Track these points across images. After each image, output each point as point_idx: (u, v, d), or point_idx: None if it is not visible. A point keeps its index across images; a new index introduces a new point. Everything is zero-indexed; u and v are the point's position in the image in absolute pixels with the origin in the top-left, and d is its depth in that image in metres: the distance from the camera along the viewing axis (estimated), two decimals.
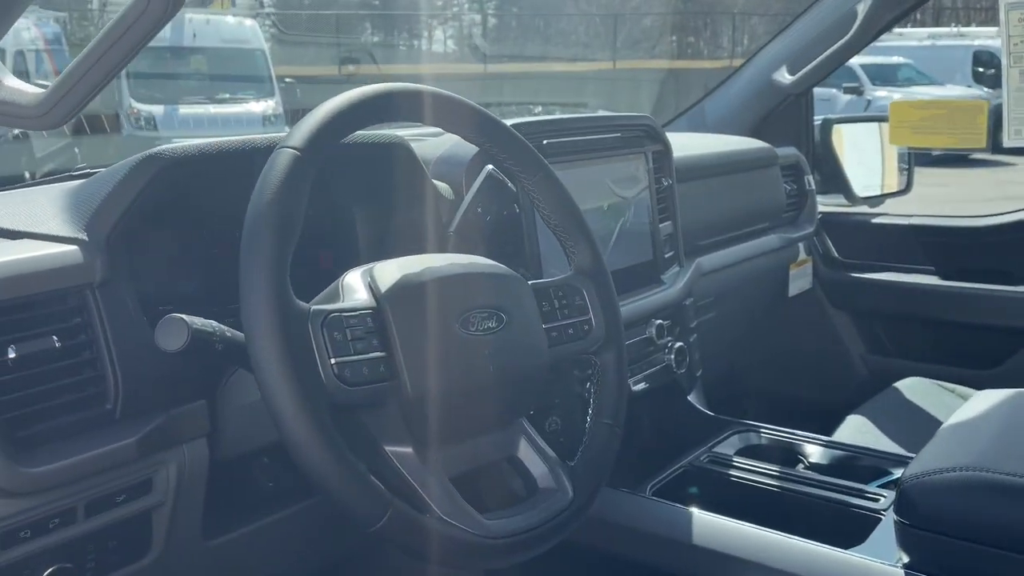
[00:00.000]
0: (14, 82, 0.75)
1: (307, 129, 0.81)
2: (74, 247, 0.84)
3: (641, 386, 1.45)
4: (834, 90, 12.00)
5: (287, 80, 11.57)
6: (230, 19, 11.59)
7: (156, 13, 0.66)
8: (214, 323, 0.78)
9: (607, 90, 13.39)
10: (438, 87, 0.94)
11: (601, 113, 1.84)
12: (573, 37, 18.94)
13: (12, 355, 0.78)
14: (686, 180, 1.67)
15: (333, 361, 0.76)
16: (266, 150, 0.84)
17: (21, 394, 0.79)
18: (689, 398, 1.58)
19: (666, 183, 1.58)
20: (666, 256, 1.57)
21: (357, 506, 0.75)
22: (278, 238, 0.75)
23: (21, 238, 0.84)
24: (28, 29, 12.42)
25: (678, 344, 1.52)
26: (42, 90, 0.74)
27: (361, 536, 0.80)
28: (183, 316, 0.75)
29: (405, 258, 0.89)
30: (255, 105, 10.62)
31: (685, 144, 1.76)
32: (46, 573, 0.84)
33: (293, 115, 10.25)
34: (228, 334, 0.79)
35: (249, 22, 11.75)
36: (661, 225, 1.56)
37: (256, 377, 0.73)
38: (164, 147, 0.91)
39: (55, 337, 0.81)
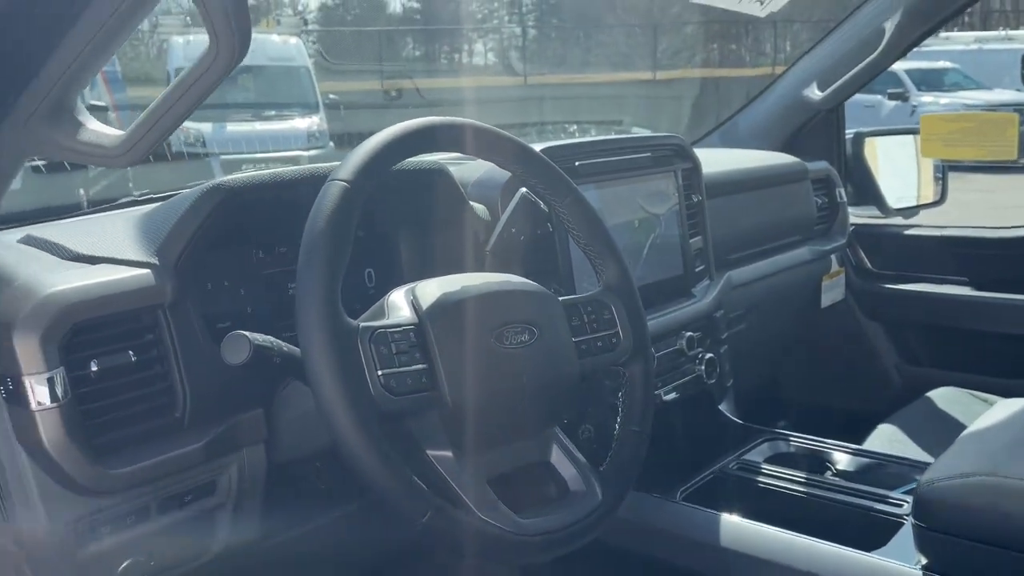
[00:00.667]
0: (96, 125, 0.84)
1: (355, 162, 0.89)
2: (147, 271, 0.93)
3: (672, 395, 1.50)
4: (879, 96, 11.87)
5: (331, 97, 11.81)
6: (275, 38, 11.86)
7: (223, 64, 0.75)
8: (272, 339, 0.87)
9: (647, 102, 13.41)
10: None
11: (632, 133, 1.90)
12: (613, 47, 18.99)
13: (95, 368, 0.87)
14: (716, 195, 1.72)
15: (380, 373, 0.84)
16: (318, 180, 0.92)
17: (102, 403, 0.88)
18: (720, 407, 1.63)
19: (696, 199, 1.64)
20: (696, 270, 1.63)
21: (402, 505, 0.83)
22: (330, 264, 0.83)
23: (100, 263, 0.94)
24: None
25: (708, 355, 1.57)
26: (121, 132, 0.83)
27: (406, 533, 0.87)
28: (245, 333, 0.84)
29: (444, 277, 0.97)
30: (300, 122, 10.84)
31: (716, 160, 1.82)
32: (122, 565, 0.93)
33: (336, 131, 10.44)
34: (285, 349, 0.87)
35: (294, 40, 12.01)
36: (691, 240, 1.62)
37: (311, 388, 0.81)
38: (225, 178, 1.00)
39: (131, 352, 0.90)
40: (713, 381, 1.59)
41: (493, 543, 0.88)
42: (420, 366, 0.88)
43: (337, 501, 1.12)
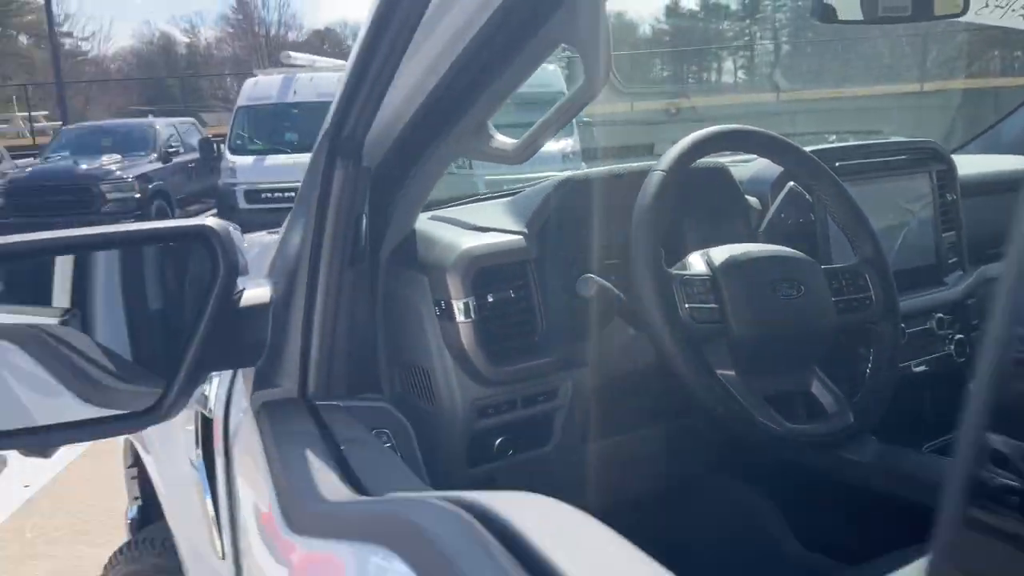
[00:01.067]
0: (499, 135, 1.26)
1: (671, 157, 1.24)
2: (520, 237, 1.34)
3: (921, 368, 1.70)
4: None
5: (584, 119, 12.43)
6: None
7: (591, 91, 1.12)
8: (608, 283, 1.24)
9: (910, 113, 12.72)
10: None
11: (890, 140, 2.10)
12: (875, 59, 18.13)
13: (490, 299, 1.29)
14: (974, 195, 1.88)
15: (687, 306, 1.18)
16: (639, 174, 1.28)
17: (494, 323, 1.30)
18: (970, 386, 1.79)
19: (950, 198, 1.82)
20: (949, 262, 1.80)
21: (704, 397, 1.16)
22: (654, 228, 1.19)
23: (489, 231, 1.36)
24: None
25: (959, 336, 1.75)
26: (515, 141, 1.24)
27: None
28: (593, 275, 1.22)
29: (731, 245, 1.29)
30: (554, 144, 11.56)
31: (976, 163, 1.96)
32: (497, 441, 1.34)
33: (588, 152, 10.97)
34: (617, 292, 1.24)
35: (552, 67, 12.80)
36: (944, 234, 1.80)
37: (642, 315, 1.17)
38: (571, 173, 1.39)
39: (511, 290, 1.31)
40: (963, 360, 1.76)
41: (766, 437, 1.18)
42: (713, 305, 1.21)
43: (646, 420, 1.46)
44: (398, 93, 1.12)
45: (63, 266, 1.05)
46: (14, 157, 14.35)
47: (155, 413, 0.97)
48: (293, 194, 1.20)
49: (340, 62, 12.60)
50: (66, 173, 11.79)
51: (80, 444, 3.37)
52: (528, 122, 1.31)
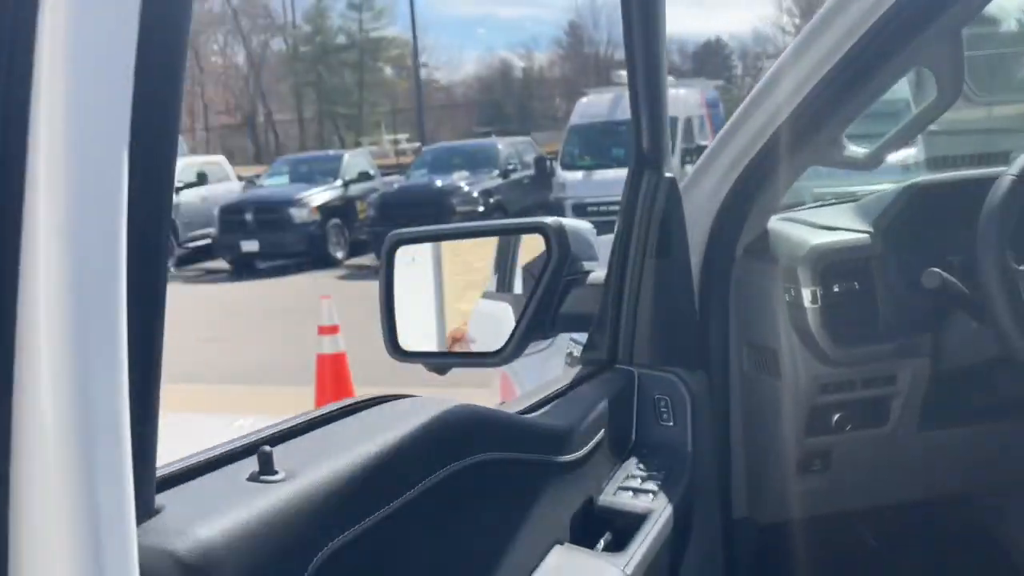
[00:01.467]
0: (851, 146, 1.43)
1: (1021, 163, 1.33)
2: (865, 235, 1.49)
3: None
4: None
5: (931, 128, 11.53)
6: None
7: (944, 105, 1.26)
8: (952, 278, 1.36)
9: None
10: None
11: None
12: None
13: (835, 289, 1.46)
14: None
15: None
16: (985, 180, 1.38)
17: (838, 310, 1.46)
18: None
19: None
20: None
21: None
22: (1003, 227, 1.29)
23: (837, 231, 1.53)
24: (694, 97, 14.66)
25: None
26: (865, 150, 1.40)
27: None
28: (938, 270, 1.34)
29: None
30: (893, 155, 10.89)
31: None
32: (835, 416, 1.50)
33: (933, 162, 10.18)
34: (961, 286, 1.35)
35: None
36: None
37: (989, 313, 1.28)
38: (919, 179, 1.52)
39: (855, 283, 1.47)
40: None
41: None
42: None
43: (994, 415, 1.53)
44: (760, 113, 1.35)
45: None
46: (383, 175, 16.63)
47: (497, 356, 1.31)
48: (616, 207, 1.45)
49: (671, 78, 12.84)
50: (425, 189, 13.49)
51: None
52: (872, 132, 1.46)
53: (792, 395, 1.47)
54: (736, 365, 1.51)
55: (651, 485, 1.17)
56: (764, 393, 1.51)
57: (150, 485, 0.54)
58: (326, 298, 5.19)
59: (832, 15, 1.23)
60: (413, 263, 1.49)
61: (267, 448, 0.65)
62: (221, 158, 18.47)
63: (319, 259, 13.25)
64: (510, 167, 14.77)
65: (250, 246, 13.20)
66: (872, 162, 1.40)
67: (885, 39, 1.23)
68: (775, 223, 1.57)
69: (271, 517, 0.60)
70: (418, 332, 1.45)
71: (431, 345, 1.49)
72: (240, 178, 17.98)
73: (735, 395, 1.51)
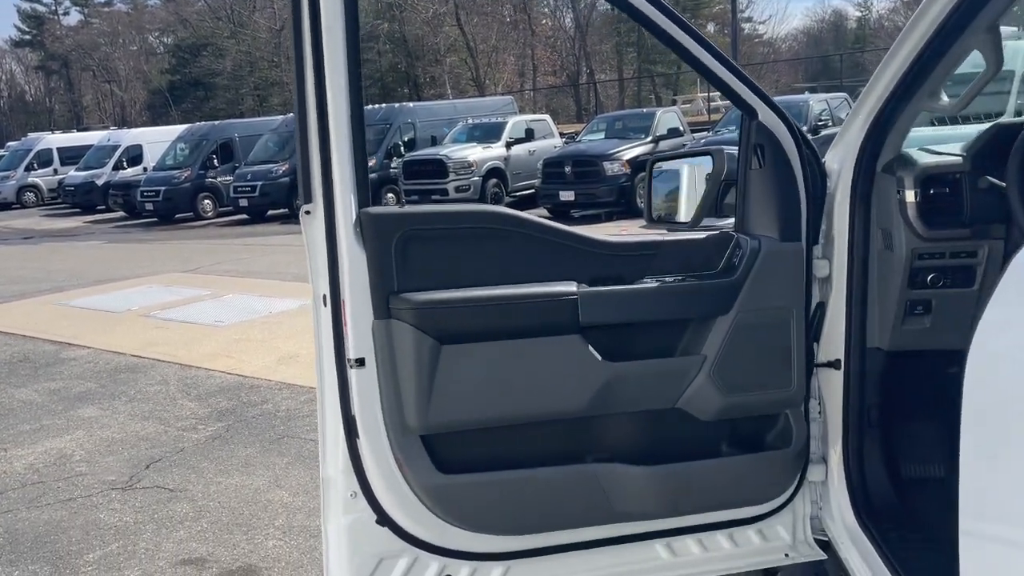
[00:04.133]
0: (944, 96, 2.16)
1: None
2: (959, 158, 2.21)
3: None
4: None
5: None
6: None
7: (991, 73, 1.98)
8: (998, 181, 2.06)
9: None
10: None
11: None
12: None
13: (932, 192, 2.21)
14: None
15: None
16: None
17: (933, 203, 2.22)
18: None
19: None
20: None
21: None
22: None
23: (942, 155, 2.26)
24: None
25: None
26: (952, 99, 2.14)
27: None
28: (988, 177, 2.06)
29: None
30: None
31: None
32: (930, 276, 2.25)
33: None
34: (1002, 186, 2.06)
35: None
36: None
37: (1011, 204, 1.99)
38: (1007, 120, 2.19)
39: (946, 188, 2.21)
40: None
41: None
42: None
43: None
44: (887, 73, 2.14)
45: None
46: (692, 132, 17.34)
47: (688, 224, 2.27)
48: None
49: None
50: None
51: None
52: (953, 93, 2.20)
53: (897, 261, 2.25)
54: (874, 245, 2.31)
55: None
56: (886, 262, 2.29)
57: None
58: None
59: (922, 14, 1.99)
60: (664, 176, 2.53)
61: None
62: (546, 116, 20.34)
63: (628, 210, 14.38)
64: (820, 123, 14.70)
65: (567, 196, 14.74)
66: (956, 109, 2.13)
67: (949, 30, 1.98)
68: (905, 150, 2.34)
69: None
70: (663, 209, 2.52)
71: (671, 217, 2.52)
72: (562, 135, 19.71)
73: (872, 264, 2.31)
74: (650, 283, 2.17)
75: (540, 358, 2.05)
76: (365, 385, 2.02)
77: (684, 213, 2.44)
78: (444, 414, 2.01)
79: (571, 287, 2.07)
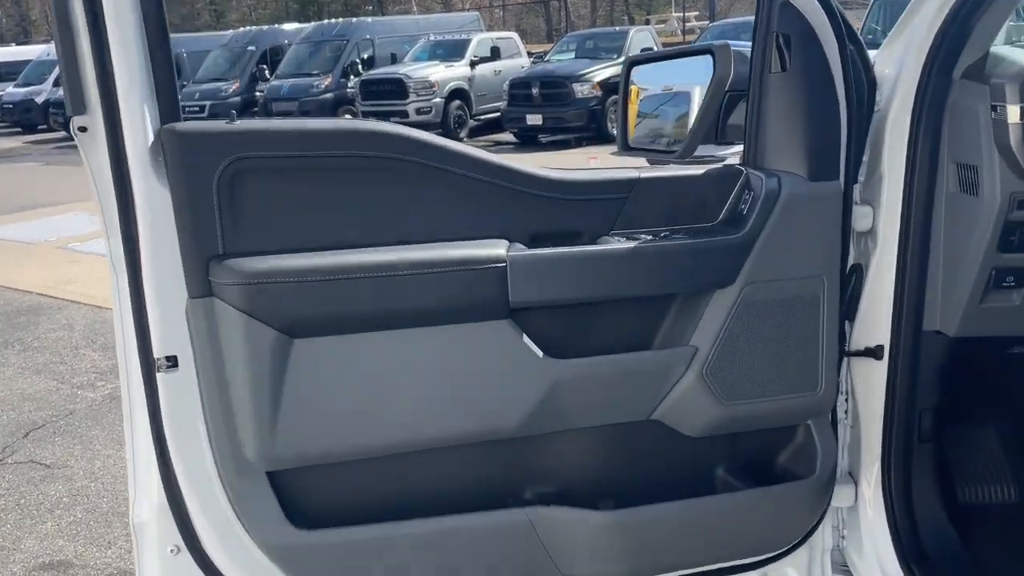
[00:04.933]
0: None
1: None
2: None
3: None
4: None
5: None
6: None
7: None
8: None
9: None
10: None
11: None
12: None
13: None
14: None
15: None
16: None
17: None
18: None
19: None
20: None
21: None
22: None
23: None
24: None
25: None
26: None
27: None
28: None
29: None
30: None
31: None
32: None
33: None
34: None
35: None
36: None
37: None
38: None
39: None
40: None
41: None
42: None
43: None
44: None
45: None
46: None
47: (675, 154, 1.63)
48: None
49: None
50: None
51: None
52: None
53: (988, 212, 1.55)
54: (942, 185, 1.61)
55: None
56: (963, 211, 1.60)
57: None
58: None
59: None
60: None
61: None
62: (514, 34, 19.24)
63: (599, 135, 13.61)
64: None
65: (534, 119, 13.88)
66: None
67: None
68: (995, 47, 1.63)
69: None
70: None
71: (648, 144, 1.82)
72: (530, 55, 18.68)
73: (938, 213, 1.62)
74: (617, 241, 1.48)
75: (447, 356, 1.37)
76: (180, 396, 1.33)
77: (671, 138, 1.72)
78: (300, 442, 1.33)
79: (497, 249, 1.38)
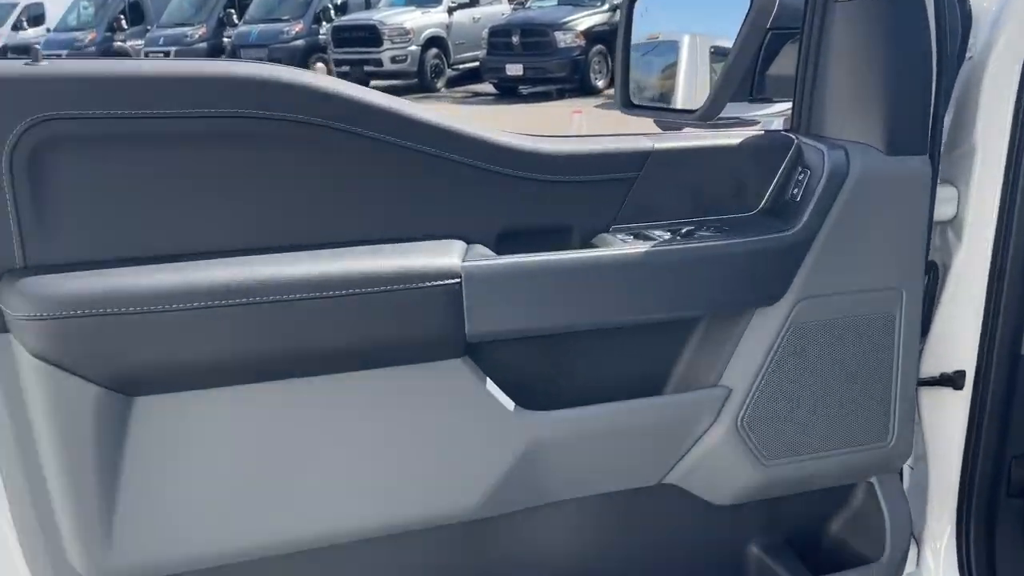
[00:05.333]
0: None
1: None
2: None
3: None
4: None
5: None
6: None
7: None
8: None
9: None
10: None
11: None
12: None
13: None
14: None
15: None
16: None
17: None
18: None
19: None
20: None
21: None
22: None
23: None
24: None
25: None
26: None
27: None
28: None
29: None
30: None
31: None
32: None
33: None
34: None
35: None
36: None
37: None
38: None
39: None
40: None
41: None
42: None
43: None
44: None
45: None
46: None
47: (695, 114, 1.22)
48: None
49: None
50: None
51: None
52: None
53: None
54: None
55: None
56: None
57: None
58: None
59: None
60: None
61: None
62: None
63: (582, 87, 13.07)
64: None
65: (515, 69, 13.31)
66: None
67: None
68: None
69: None
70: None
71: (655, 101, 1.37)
72: (510, 1, 17.96)
73: None
74: (621, 241, 1.05)
75: (378, 413, 0.94)
76: None
77: (688, 94, 1.27)
78: (149, 546, 0.90)
79: (449, 257, 0.94)
